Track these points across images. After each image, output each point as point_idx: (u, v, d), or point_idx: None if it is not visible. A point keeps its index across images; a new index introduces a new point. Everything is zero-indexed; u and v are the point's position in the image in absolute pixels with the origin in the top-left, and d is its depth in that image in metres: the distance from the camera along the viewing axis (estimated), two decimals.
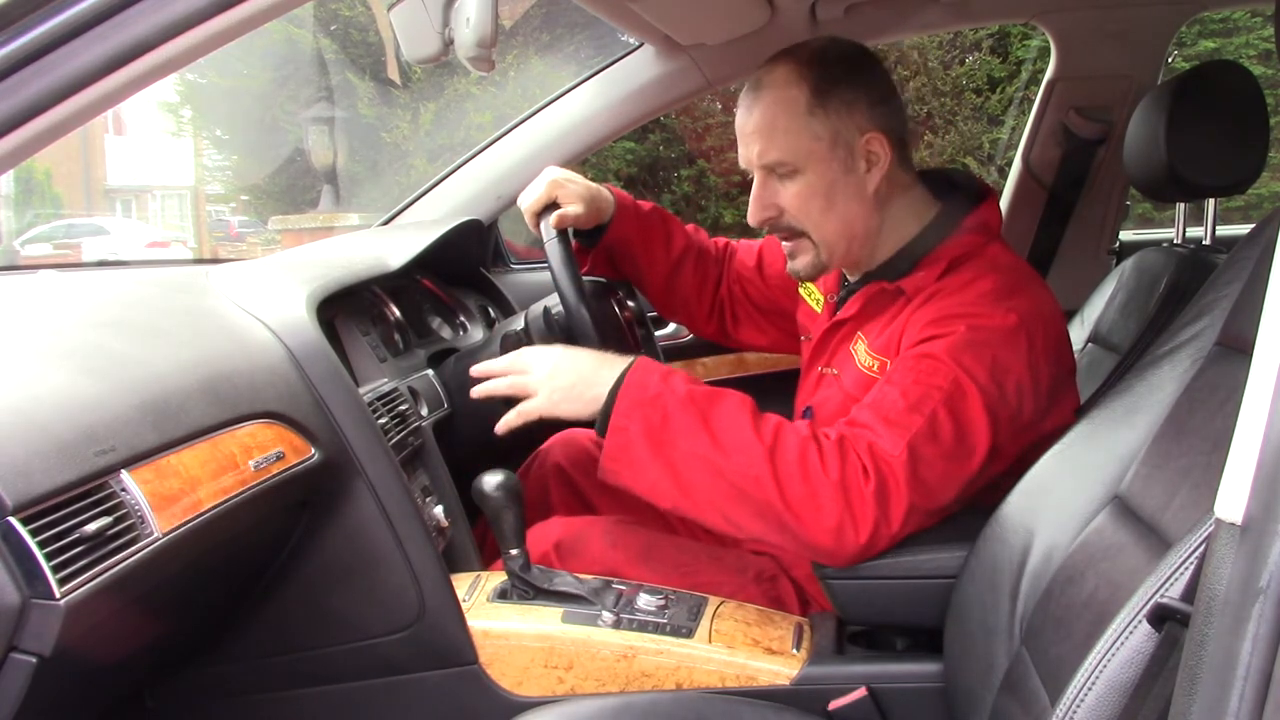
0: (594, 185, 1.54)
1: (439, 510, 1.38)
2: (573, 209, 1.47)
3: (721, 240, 1.72)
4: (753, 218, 1.34)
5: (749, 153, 1.34)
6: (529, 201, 1.48)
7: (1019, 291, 1.24)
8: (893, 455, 1.15)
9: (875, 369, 1.29)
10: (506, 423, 1.29)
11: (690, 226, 1.68)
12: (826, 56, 1.32)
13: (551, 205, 1.47)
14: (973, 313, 1.21)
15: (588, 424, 1.25)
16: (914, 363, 1.21)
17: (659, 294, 1.67)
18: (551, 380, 1.25)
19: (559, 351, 1.28)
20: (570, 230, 1.49)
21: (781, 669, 1.20)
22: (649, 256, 1.61)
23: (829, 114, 1.29)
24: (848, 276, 1.43)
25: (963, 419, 1.17)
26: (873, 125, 1.31)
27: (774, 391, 2.15)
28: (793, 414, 1.50)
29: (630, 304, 1.68)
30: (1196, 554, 0.68)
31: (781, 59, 1.33)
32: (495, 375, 1.33)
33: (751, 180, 1.37)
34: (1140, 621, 0.71)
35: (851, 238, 1.33)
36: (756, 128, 1.32)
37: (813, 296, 1.52)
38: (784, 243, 1.38)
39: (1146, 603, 0.71)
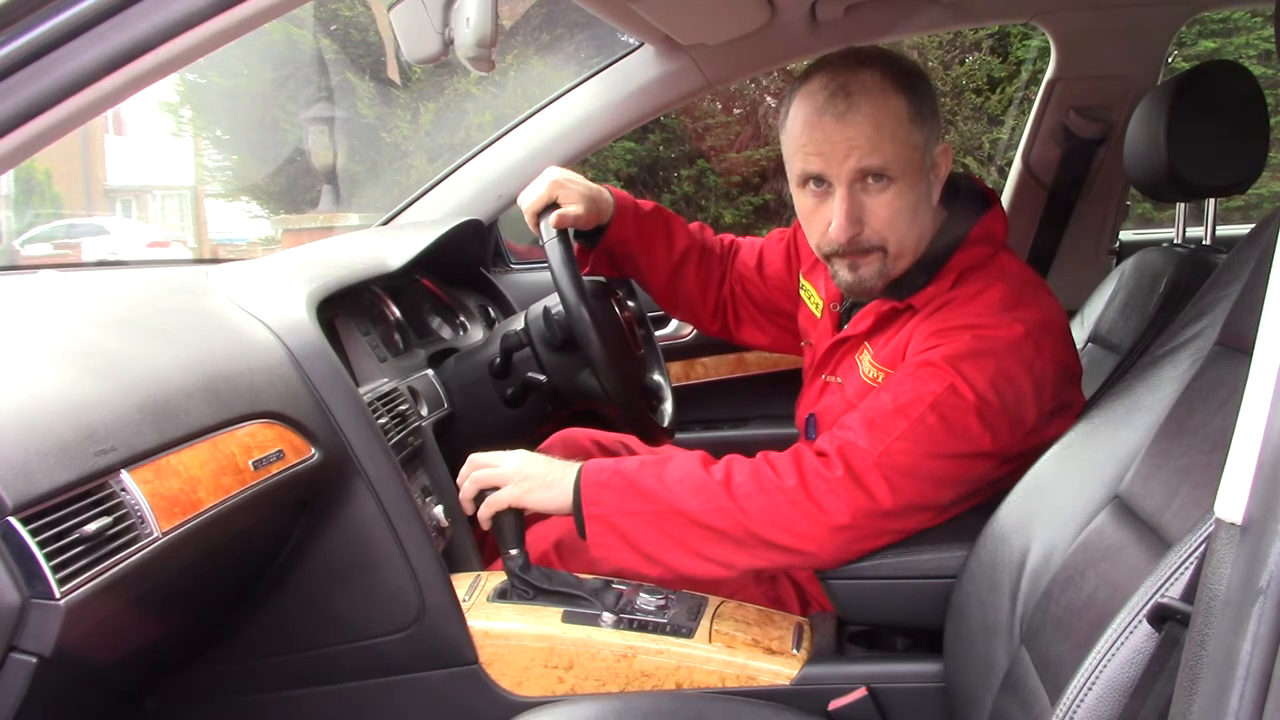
0: (594, 185, 1.53)
1: (439, 510, 1.38)
2: (573, 209, 1.47)
3: (727, 237, 1.70)
4: (844, 232, 1.24)
5: (839, 160, 1.23)
6: (529, 201, 1.48)
7: (1026, 302, 1.24)
8: (866, 452, 1.18)
9: (879, 380, 1.29)
10: (482, 518, 1.28)
11: (695, 225, 1.67)
12: (901, 63, 1.28)
13: (552, 205, 1.47)
14: (978, 323, 1.21)
15: (560, 517, 1.29)
16: (912, 370, 1.22)
17: (663, 293, 1.66)
18: (522, 471, 1.26)
19: (520, 451, 1.30)
20: (570, 230, 1.49)
21: (781, 669, 1.20)
22: (650, 256, 1.60)
23: (924, 124, 1.26)
24: None
25: (955, 423, 1.17)
26: (939, 135, 1.30)
27: (774, 391, 2.16)
28: (794, 417, 1.50)
29: (630, 304, 1.68)
30: (1196, 554, 0.68)
31: (860, 64, 1.25)
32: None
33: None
34: (1140, 621, 0.71)
35: (917, 249, 1.30)
36: (858, 134, 1.22)
37: (812, 300, 1.52)
38: (846, 259, 1.29)
39: (1146, 603, 0.71)
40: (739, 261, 1.67)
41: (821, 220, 1.28)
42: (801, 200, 1.31)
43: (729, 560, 1.22)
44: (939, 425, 1.17)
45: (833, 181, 1.25)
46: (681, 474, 1.23)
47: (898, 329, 1.30)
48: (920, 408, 1.18)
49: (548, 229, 1.44)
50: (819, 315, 1.49)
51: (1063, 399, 1.24)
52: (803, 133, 1.26)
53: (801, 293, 1.56)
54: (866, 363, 1.32)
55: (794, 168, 1.29)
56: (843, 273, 1.30)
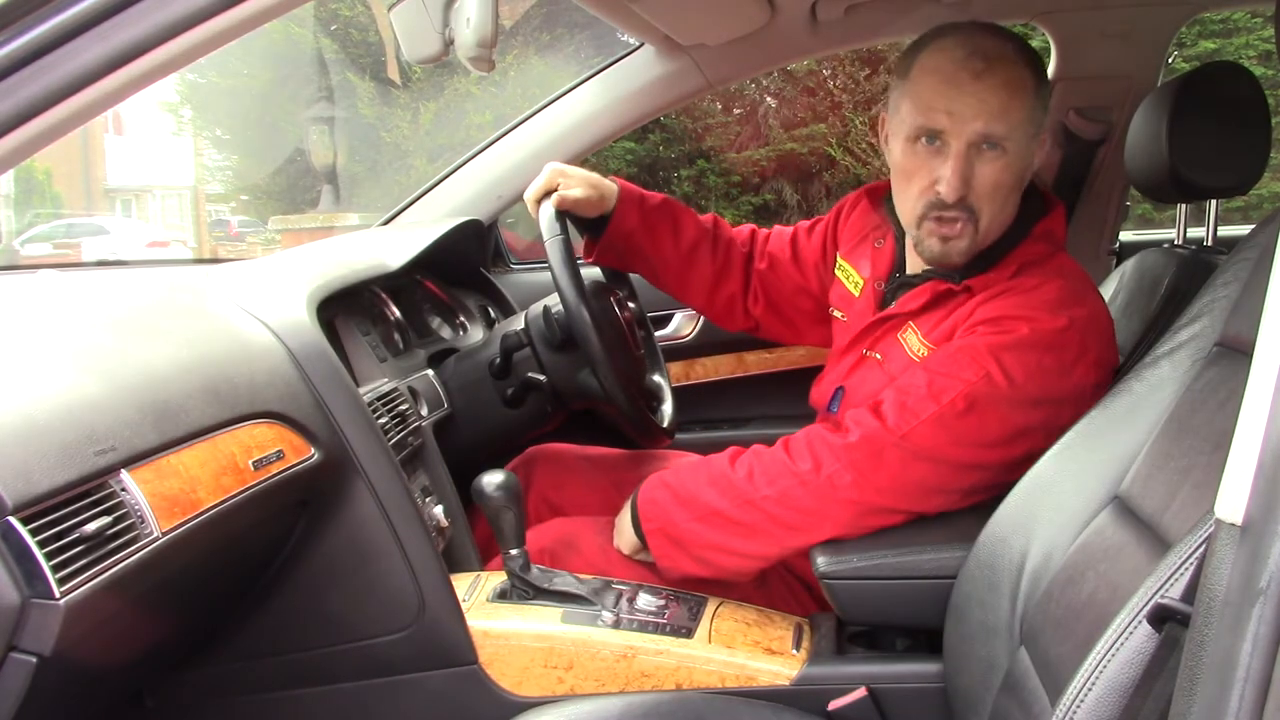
0: (597, 175, 1.54)
1: (439, 510, 1.38)
2: (573, 191, 1.47)
3: (747, 228, 1.67)
4: (955, 192, 1.23)
5: (966, 120, 1.23)
6: (531, 190, 1.49)
7: (1080, 301, 1.25)
8: (889, 431, 1.21)
9: (927, 357, 1.30)
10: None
11: (709, 216, 1.64)
12: (1030, 45, 1.30)
13: (553, 193, 1.48)
14: (1030, 315, 1.22)
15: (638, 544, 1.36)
16: (952, 354, 1.23)
17: (675, 285, 1.63)
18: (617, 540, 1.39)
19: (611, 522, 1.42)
20: (568, 223, 1.48)
21: (781, 669, 1.20)
22: (657, 248, 1.58)
23: (1042, 104, 1.28)
24: (906, 265, 1.41)
25: (985, 412, 1.19)
26: (1043, 126, 1.30)
27: (774, 391, 2.16)
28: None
29: (630, 304, 1.68)
30: (1196, 554, 0.68)
31: (997, 33, 1.26)
32: None
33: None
34: (1140, 622, 0.71)
35: (1004, 226, 1.30)
36: (990, 99, 1.22)
37: (851, 279, 1.50)
38: (943, 225, 1.27)
39: (1146, 603, 0.71)
40: (768, 251, 1.64)
41: (925, 178, 1.26)
42: (907, 156, 1.28)
43: (761, 553, 1.27)
44: (968, 413, 1.19)
45: (951, 140, 1.24)
46: (712, 474, 1.29)
47: (951, 309, 1.30)
48: (951, 394, 1.20)
49: (548, 221, 1.44)
50: (857, 293, 1.47)
51: (1098, 399, 1.24)
52: (932, 86, 1.25)
53: (838, 272, 1.54)
54: (914, 342, 1.32)
55: (910, 121, 1.27)
56: (930, 242, 1.29)
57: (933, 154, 1.26)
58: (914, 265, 1.38)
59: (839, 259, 1.55)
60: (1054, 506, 1.03)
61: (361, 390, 1.28)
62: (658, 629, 1.21)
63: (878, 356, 1.37)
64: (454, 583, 1.24)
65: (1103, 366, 1.24)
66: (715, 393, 2.20)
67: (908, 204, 1.31)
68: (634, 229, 1.56)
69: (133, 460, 0.90)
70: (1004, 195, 1.27)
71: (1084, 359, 1.21)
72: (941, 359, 1.24)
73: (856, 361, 1.41)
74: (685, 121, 8.17)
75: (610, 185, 1.55)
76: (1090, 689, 0.72)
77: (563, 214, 1.47)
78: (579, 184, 1.49)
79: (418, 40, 0.97)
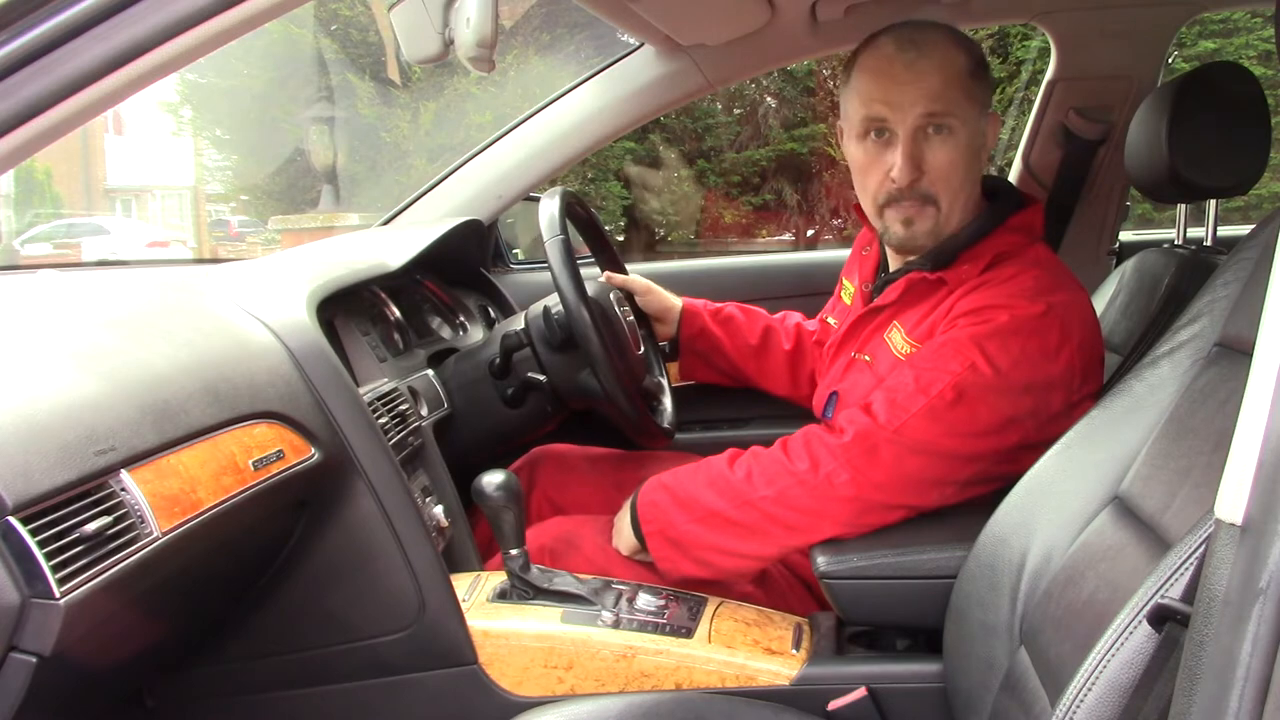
0: (670, 298, 1.70)
1: (439, 510, 1.38)
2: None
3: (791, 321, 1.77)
4: (906, 175, 1.29)
5: (906, 107, 1.28)
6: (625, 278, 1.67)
7: (1058, 288, 1.27)
8: (881, 427, 1.22)
9: (912, 354, 1.31)
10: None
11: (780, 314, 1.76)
12: (961, 31, 1.35)
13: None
14: (1009, 304, 1.24)
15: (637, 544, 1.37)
16: (937, 348, 1.25)
17: (754, 372, 1.74)
18: (616, 540, 1.40)
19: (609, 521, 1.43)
20: (568, 223, 1.50)
21: (781, 669, 1.20)
22: (731, 335, 1.70)
23: (982, 83, 1.32)
24: (889, 265, 1.45)
25: (974, 402, 1.20)
26: (990, 104, 1.35)
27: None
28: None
29: (630, 305, 1.68)
30: (1196, 554, 0.68)
31: (925, 27, 1.32)
32: None
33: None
34: (1140, 622, 0.71)
35: (966, 207, 1.34)
36: (925, 83, 1.27)
37: (845, 292, 1.55)
38: (901, 210, 1.32)
39: (1146, 603, 0.71)
40: (817, 321, 1.71)
41: (881, 169, 1.32)
42: (860, 152, 1.34)
43: (761, 553, 1.28)
44: (958, 403, 1.20)
45: (896, 129, 1.29)
46: (711, 475, 1.30)
47: (932, 305, 1.32)
48: (940, 385, 1.21)
49: (548, 216, 1.46)
50: (850, 301, 1.52)
51: (1088, 389, 1.25)
52: (870, 81, 1.31)
53: (841, 293, 1.59)
54: (899, 340, 1.34)
55: (857, 118, 1.33)
56: (895, 228, 1.34)
57: (883, 146, 1.31)
58: (895, 262, 1.43)
59: (842, 281, 1.60)
60: (1054, 506, 1.03)
61: (361, 390, 1.28)
62: (657, 629, 1.21)
63: (867, 359, 1.39)
64: (454, 583, 1.25)
65: (1087, 351, 1.25)
66: (715, 393, 2.19)
67: (868, 198, 1.36)
68: (705, 325, 1.67)
69: (133, 460, 0.90)
70: (960, 174, 1.31)
71: (1067, 343, 1.22)
72: (926, 354, 1.26)
73: (848, 365, 1.43)
74: (685, 121, 8.18)
75: (675, 306, 1.70)
76: (1090, 689, 0.72)
77: (563, 214, 1.47)
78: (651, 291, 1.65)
79: (418, 40, 0.97)
